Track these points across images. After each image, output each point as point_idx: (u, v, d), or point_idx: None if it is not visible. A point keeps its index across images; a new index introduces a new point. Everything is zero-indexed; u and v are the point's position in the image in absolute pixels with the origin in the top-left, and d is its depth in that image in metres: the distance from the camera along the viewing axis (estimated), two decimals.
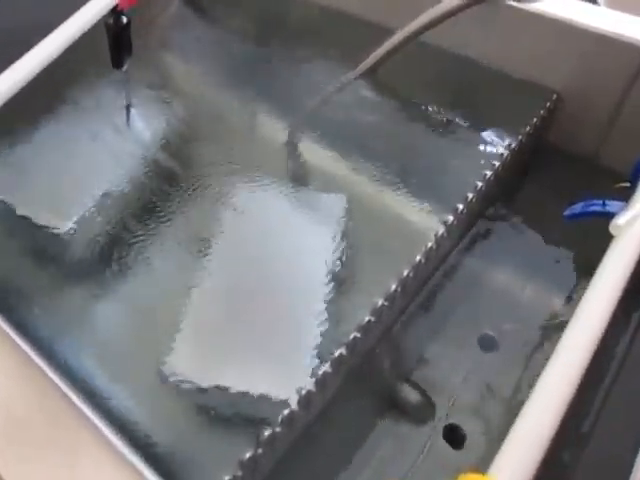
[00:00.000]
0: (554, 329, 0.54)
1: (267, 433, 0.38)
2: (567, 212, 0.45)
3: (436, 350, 0.53)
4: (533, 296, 0.57)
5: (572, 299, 0.56)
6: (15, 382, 0.39)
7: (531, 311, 0.55)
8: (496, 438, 0.48)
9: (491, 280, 0.58)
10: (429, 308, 0.55)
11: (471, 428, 0.48)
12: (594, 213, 0.42)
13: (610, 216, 0.41)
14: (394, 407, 0.49)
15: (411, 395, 0.50)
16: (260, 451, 0.37)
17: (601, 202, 0.42)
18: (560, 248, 0.60)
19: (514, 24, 0.61)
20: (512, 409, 0.49)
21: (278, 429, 0.38)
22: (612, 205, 0.41)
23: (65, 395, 0.39)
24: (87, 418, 0.38)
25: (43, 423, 0.37)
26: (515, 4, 0.60)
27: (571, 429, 0.32)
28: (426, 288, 0.56)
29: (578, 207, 0.44)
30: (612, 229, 0.40)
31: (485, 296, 0.57)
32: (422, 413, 0.49)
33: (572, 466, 0.39)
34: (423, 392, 0.50)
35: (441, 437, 0.48)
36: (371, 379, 0.51)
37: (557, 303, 0.56)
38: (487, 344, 0.54)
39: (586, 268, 0.58)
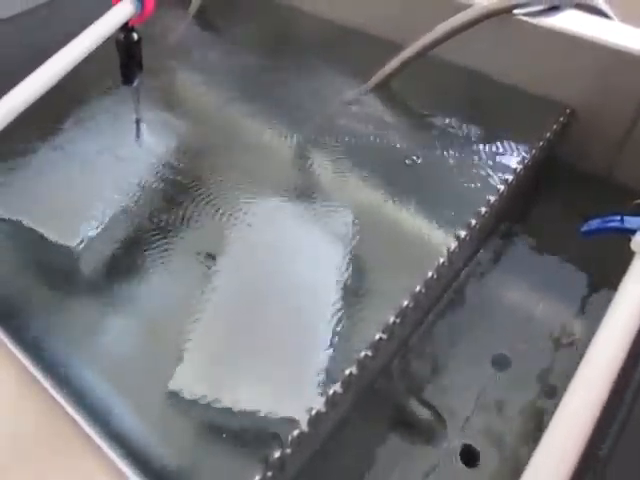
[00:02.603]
0: (568, 347, 0.53)
1: (276, 455, 0.37)
2: (584, 228, 0.44)
3: (448, 368, 0.52)
4: (546, 314, 0.56)
5: (586, 317, 0.55)
6: (19, 398, 0.39)
7: (544, 329, 0.55)
8: (510, 457, 0.47)
9: (504, 297, 0.57)
10: (441, 325, 0.55)
11: (484, 447, 0.48)
12: (612, 229, 0.41)
13: (628, 232, 0.40)
14: (406, 426, 0.49)
15: (423, 414, 0.49)
16: (269, 474, 0.36)
17: (619, 218, 0.41)
18: (573, 265, 0.59)
19: (526, 38, 0.61)
20: (526, 428, 0.49)
21: (288, 450, 0.37)
22: (631, 221, 0.40)
23: (68, 413, 0.38)
24: (89, 433, 0.37)
25: (47, 440, 0.37)
26: (527, 18, 0.60)
27: (592, 454, 0.31)
28: (438, 305, 0.56)
29: (595, 223, 0.43)
30: (634, 246, 0.39)
31: (498, 314, 0.56)
32: (434, 432, 0.49)
33: None
34: (435, 410, 0.50)
35: (454, 456, 0.47)
36: (382, 397, 0.50)
37: (571, 321, 0.56)
38: (500, 362, 0.53)
39: (599, 285, 0.57)
